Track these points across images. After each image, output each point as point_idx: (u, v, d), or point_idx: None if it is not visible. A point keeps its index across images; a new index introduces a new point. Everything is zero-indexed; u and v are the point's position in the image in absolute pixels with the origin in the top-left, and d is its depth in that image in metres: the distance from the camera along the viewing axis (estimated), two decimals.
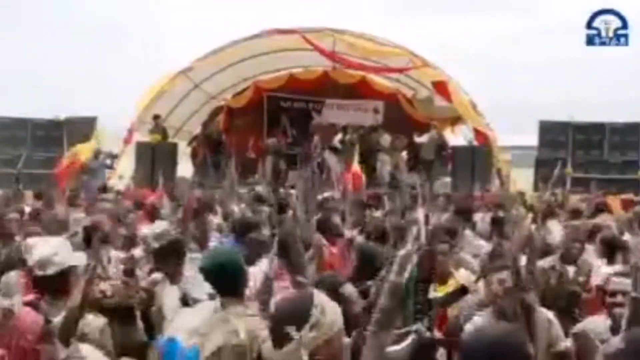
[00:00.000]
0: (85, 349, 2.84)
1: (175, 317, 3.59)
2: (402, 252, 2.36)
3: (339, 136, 16.97)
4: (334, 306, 2.24)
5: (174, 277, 4.28)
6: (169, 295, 4.18)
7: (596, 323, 3.52)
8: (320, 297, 2.21)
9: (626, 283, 3.46)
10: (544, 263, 5.21)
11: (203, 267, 3.34)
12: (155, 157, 15.10)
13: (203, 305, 3.34)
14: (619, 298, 3.43)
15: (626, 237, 6.74)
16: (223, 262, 3.29)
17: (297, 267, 4.05)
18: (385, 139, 16.56)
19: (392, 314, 2.27)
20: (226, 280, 3.23)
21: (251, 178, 15.22)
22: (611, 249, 5.89)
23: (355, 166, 13.40)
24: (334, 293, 3.04)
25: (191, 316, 3.31)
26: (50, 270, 3.35)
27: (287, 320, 2.15)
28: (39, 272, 3.36)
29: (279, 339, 2.14)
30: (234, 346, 3.02)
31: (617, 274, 3.70)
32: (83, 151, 14.09)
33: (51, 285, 3.34)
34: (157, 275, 4.49)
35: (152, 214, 7.13)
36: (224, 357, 3.01)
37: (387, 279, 2.34)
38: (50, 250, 3.43)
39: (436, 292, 3.76)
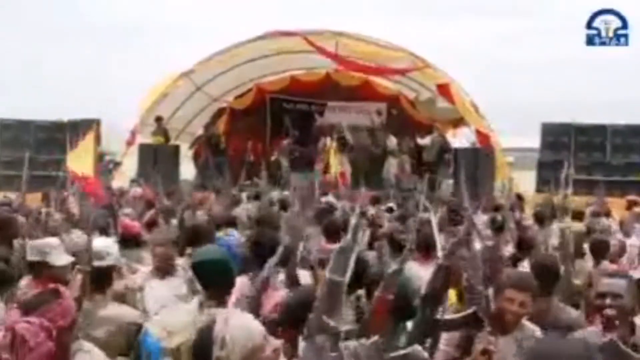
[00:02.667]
0: (87, 345, 2.91)
1: (160, 312, 3.62)
2: (341, 245, 2.18)
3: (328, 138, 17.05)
4: (239, 329, 2.23)
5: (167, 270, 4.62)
6: (157, 289, 4.45)
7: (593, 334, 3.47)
8: (222, 328, 2.19)
9: (615, 284, 3.45)
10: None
11: (194, 263, 3.37)
12: (158, 159, 15.13)
13: (189, 305, 3.32)
14: (608, 300, 3.42)
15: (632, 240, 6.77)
16: (212, 260, 3.28)
17: (291, 280, 4.07)
18: (392, 141, 16.59)
19: (328, 317, 2.10)
20: (211, 280, 3.22)
21: (250, 180, 15.25)
22: (602, 252, 5.95)
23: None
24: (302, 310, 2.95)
25: (168, 313, 3.37)
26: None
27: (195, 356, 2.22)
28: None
29: None
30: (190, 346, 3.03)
31: (606, 275, 3.65)
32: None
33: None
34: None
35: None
36: (184, 354, 3.02)
37: (326, 276, 2.15)
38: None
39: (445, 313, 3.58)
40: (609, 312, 3.33)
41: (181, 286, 4.57)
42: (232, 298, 3.57)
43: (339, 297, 2.12)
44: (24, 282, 4.08)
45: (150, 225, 6.97)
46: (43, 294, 2.69)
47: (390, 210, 9.17)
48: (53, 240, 4.17)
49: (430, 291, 3.07)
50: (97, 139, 16.45)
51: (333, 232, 5.84)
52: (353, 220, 2.21)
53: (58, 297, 2.68)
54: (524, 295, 3.47)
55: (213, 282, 3.22)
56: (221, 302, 3.19)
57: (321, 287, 2.14)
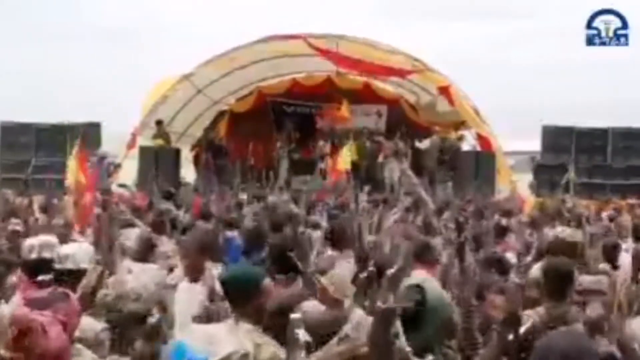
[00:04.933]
0: (77, 347, 2.90)
1: (187, 326, 3.61)
2: (390, 273, 2.25)
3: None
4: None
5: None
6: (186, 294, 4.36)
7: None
8: (359, 316, 2.09)
9: (594, 281, 3.45)
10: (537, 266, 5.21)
11: (222, 280, 3.42)
12: (159, 162, 15.11)
13: (218, 324, 3.35)
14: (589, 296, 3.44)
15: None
16: (239, 276, 3.33)
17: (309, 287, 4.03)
18: (399, 144, 16.58)
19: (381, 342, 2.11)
20: (238, 296, 3.24)
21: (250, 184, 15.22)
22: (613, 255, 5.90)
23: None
24: (282, 315, 2.95)
25: (204, 327, 3.36)
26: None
27: (315, 327, 2.08)
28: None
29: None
30: (242, 356, 3.02)
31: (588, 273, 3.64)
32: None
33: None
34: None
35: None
36: None
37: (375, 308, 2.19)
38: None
39: None
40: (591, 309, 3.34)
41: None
42: None
43: None
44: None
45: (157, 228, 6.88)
46: (54, 294, 2.70)
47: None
48: (54, 239, 4.12)
49: (510, 312, 3.03)
50: (97, 142, 16.57)
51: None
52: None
53: (68, 298, 2.70)
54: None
55: (236, 299, 3.25)
56: (250, 314, 3.20)
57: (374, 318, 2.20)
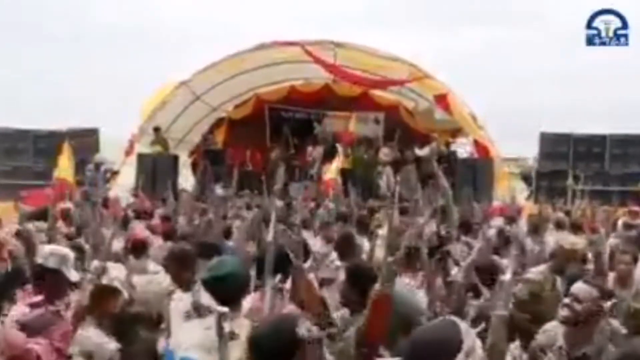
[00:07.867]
0: None
1: (179, 330, 3.54)
2: (505, 279, 2.36)
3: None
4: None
5: (186, 284, 4.31)
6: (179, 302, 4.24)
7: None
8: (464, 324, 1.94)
9: (583, 289, 3.43)
10: (534, 273, 5.20)
11: (206, 279, 3.32)
12: (157, 169, 15.07)
13: (207, 320, 3.29)
14: (567, 300, 3.45)
15: None
16: (227, 273, 3.28)
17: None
18: (395, 151, 16.57)
19: (501, 348, 2.25)
20: (229, 292, 3.22)
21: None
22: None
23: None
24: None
25: (199, 330, 3.28)
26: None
27: (437, 348, 1.86)
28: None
29: None
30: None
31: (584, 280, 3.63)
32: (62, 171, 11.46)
33: None
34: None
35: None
36: None
37: (493, 313, 2.32)
38: None
39: None
40: (564, 312, 3.34)
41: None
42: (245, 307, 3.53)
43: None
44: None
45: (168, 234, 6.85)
46: (47, 315, 2.65)
47: None
48: (69, 252, 4.05)
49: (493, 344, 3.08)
50: (95, 148, 16.57)
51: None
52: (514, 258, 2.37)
53: (61, 319, 2.64)
54: None
55: (227, 296, 3.19)
56: (239, 308, 3.24)
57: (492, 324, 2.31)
